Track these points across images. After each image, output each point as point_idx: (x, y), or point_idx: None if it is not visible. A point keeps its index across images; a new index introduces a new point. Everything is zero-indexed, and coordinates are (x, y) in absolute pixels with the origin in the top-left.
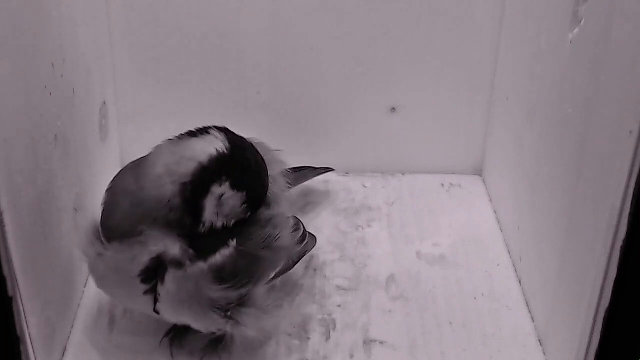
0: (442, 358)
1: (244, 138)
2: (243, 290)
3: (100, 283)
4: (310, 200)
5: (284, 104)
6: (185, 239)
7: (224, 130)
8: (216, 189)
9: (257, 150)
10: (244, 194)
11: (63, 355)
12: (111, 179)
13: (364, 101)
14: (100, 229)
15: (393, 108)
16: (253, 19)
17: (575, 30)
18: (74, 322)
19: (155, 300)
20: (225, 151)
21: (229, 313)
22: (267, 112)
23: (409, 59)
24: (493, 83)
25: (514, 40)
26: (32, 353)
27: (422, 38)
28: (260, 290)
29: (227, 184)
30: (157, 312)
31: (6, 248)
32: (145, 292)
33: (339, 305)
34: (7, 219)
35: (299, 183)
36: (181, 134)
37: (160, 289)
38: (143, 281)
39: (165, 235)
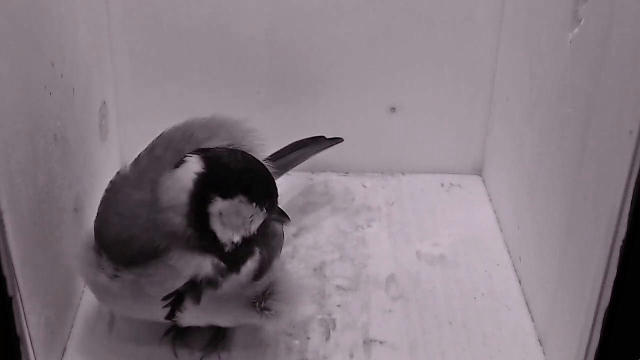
0: (442, 358)
1: (220, 148)
2: (272, 279)
3: (110, 302)
4: (310, 200)
5: (284, 104)
6: (215, 254)
7: (201, 151)
8: (214, 208)
9: (238, 152)
10: (241, 198)
11: (63, 355)
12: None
13: (364, 101)
14: (105, 251)
15: (393, 108)
16: (253, 19)
17: (575, 30)
18: (74, 322)
19: (173, 312)
20: (203, 169)
21: (262, 304)
22: (267, 112)
23: (409, 59)
24: (493, 83)
25: (514, 40)
26: (32, 353)
27: (422, 38)
28: (278, 275)
29: (218, 199)
30: (170, 319)
31: (6, 248)
32: (165, 306)
33: (339, 305)
34: (7, 219)
35: (298, 163)
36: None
37: (188, 304)
38: (166, 298)
39: (194, 254)
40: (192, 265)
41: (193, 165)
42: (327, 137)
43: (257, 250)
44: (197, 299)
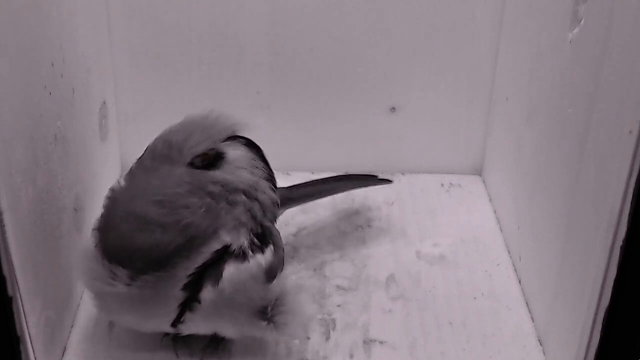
0: (442, 358)
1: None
2: (281, 290)
3: (117, 313)
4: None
5: (284, 104)
6: (251, 232)
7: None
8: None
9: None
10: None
11: (63, 355)
12: (109, 201)
13: (364, 101)
14: (121, 261)
15: (393, 108)
16: (253, 19)
17: (575, 30)
18: (74, 322)
19: (182, 312)
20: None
21: (269, 315)
22: (267, 112)
23: (409, 59)
24: (493, 83)
25: (514, 40)
26: (32, 353)
27: (422, 38)
28: (287, 287)
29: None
30: (176, 325)
31: (6, 248)
32: (180, 305)
33: (339, 305)
34: (7, 219)
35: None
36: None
37: (206, 293)
38: (185, 287)
39: (235, 228)
40: (232, 235)
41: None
42: (379, 176)
43: (272, 244)
44: (218, 277)
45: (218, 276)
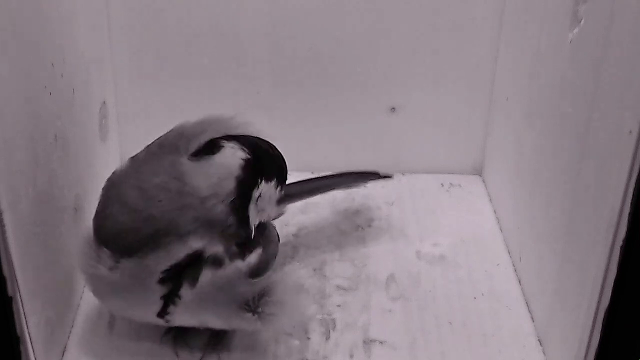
0: (442, 358)
1: (249, 136)
2: (269, 282)
3: (107, 297)
4: (310, 201)
5: (284, 104)
6: (227, 238)
7: (233, 138)
8: (255, 193)
9: (261, 139)
10: (275, 181)
11: (63, 355)
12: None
13: (364, 101)
14: (106, 243)
15: (393, 108)
16: (253, 19)
17: (575, 30)
18: (73, 322)
19: (167, 305)
20: (250, 156)
21: (257, 308)
22: (267, 112)
23: (409, 59)
24: (493, 83)
25: (514, 40)
26: (32, 353)
27: (422, 38)
28: (275, 278)
29: (262, 183)
30: (163, 316)
31: (6, 248)
32: (162, 297)
33: (339, 305)
34: (7, 219)
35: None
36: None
37: (185, 290)
38: (162, 281)
39: (207, 233)
40: (204, 241)
41: (234, 151)
42: (380, 172)
43: (260, 246)
44: (194, 280)
45: (195, 279)
